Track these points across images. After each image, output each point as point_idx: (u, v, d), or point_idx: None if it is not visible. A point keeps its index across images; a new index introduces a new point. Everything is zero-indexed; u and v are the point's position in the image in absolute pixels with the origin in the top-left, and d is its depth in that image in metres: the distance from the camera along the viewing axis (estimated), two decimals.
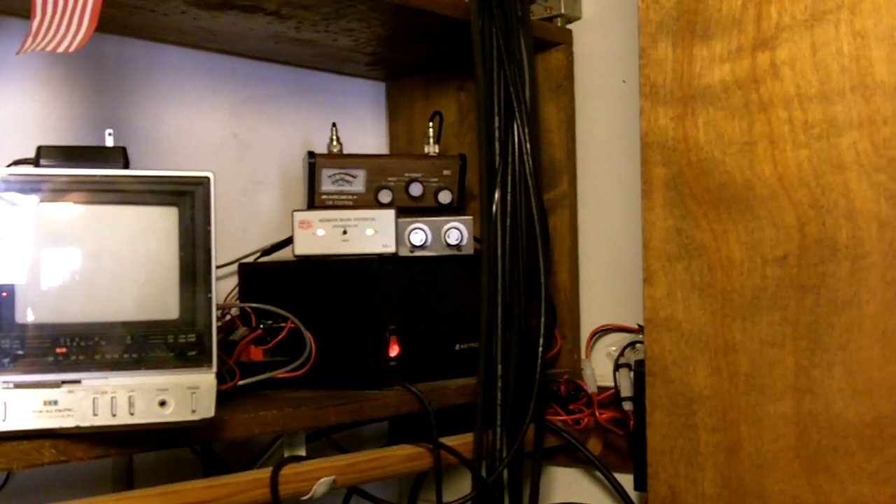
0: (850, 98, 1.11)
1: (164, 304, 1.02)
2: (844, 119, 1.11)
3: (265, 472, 1.16)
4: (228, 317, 1.38)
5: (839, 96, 1.11)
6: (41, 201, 0.99)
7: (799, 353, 1.14)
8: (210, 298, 1.04)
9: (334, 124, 1.51)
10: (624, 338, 1.54)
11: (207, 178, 1.04)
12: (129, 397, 1.00)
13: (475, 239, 1.43)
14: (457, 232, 1.41)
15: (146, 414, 1.00)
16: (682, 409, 1.22)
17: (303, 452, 1.24)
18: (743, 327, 1.18)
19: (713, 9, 1.20)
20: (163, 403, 1.01)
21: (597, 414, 1.51)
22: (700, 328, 1.21)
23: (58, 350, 0.98)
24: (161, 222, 1.03)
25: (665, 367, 1.23)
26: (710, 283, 1.20)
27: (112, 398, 0.99)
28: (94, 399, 0.98)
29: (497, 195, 1.38)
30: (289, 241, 1.46)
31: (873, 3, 1.09)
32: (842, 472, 1.11)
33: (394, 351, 1.36)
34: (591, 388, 1.53)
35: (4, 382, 0.97)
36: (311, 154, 1.46)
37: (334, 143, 1.49)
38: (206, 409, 1.03)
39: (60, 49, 0.97)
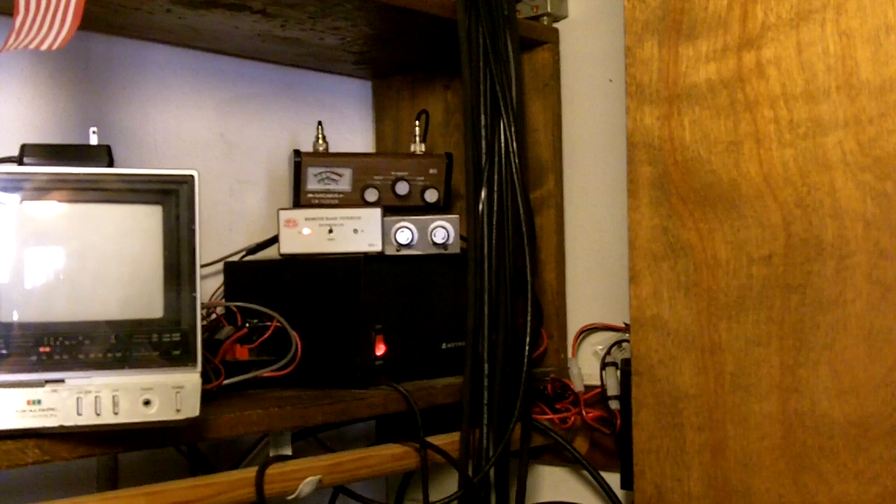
0: (835, 97, 1.11)
1: (148, 303, 1.02)
2: (830, 118, 1.11)
3: (250, 472, 1.16)
4: (214, 316, 1.37)
5: (825, 96, 1.11)
6: (25, 200, 0.98)
7: (784, 353, 1.14)
8: (195, 297, 1.03)
9: (320, 123, 1.50)
10: (611, 336, 1.54)
11: (192, 177, 1.04)
12: (114, 397, 0.99)
13: (461, 238, 1.43)
14: (443, 231, 1.41)
15: (130, 413, 1.00)
16: (668, 409, 1.22)
17: (289, 452, 1.24)
18: (728, 326, 1.18)
19: (699, 8, 1.20)
20: (147, 403, 1.00)
21: (584, 413, 1.51)
22: (686, 327, 1.21)
23: (41, 349, 0.97)
24: (145, 221, 1.02)
25: (651, 366, 1.23)
26: (695, 282, 1.20)
27: (96, 398, 0.99)
28: (77, 398, 0.98)
29: (483, 194, 1.38)
30: (275, 240, 1.46)
31: (858, 3, 1.09)
32: (827, 472, 1.11)
33: (380, 350, 1.36)
34: (577, 387, 1.53)
35: None
36: (296, 153, 1.46)
37: (320, 141, 1.49)
38: (190, 408, 1.02)
39: (43, 47, 0.97)
